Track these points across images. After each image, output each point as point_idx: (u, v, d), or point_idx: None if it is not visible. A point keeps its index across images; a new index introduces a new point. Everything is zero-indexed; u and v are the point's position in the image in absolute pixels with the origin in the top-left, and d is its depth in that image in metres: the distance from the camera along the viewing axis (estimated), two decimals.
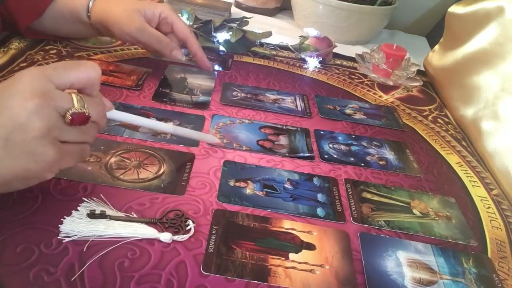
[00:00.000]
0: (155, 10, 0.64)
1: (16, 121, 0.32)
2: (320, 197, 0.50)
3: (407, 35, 1.16)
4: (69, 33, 0.73)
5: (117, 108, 0.58)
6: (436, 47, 0.87)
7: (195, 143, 0.55)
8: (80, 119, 0.35)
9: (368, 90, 0.79)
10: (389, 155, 0.60)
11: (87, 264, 0.37)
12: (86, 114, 0.35)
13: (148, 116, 0.58)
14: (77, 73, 0.36)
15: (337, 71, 0.84)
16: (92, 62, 0.37)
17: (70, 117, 0.34)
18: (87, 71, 0.36)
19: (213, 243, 0.41)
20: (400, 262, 0.43)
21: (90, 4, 0.64)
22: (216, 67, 0.77)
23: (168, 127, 0.50)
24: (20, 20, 0.66)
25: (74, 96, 0.35)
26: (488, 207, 0.54)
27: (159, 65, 0.73)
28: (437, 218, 0.50)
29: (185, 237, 0.41)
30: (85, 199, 0.43)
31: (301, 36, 0.88)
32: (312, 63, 0.84)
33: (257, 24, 0.95)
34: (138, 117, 0.47)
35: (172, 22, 0.66)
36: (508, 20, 0.67)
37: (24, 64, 0.65)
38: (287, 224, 0.45)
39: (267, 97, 0.69)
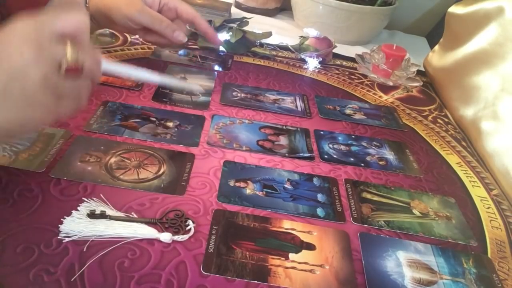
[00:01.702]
0: None
1: (13, 69, 0.33)
2: (320, 197, 0.50)
3: (407, 35, 1.16)
4: None
5: (117, 108, 0.59)
6: (436, 47, 0.87)
7: (195, 143, 0.55)
8: (74, 72, 0.35)
9: (368, 91, 0.79)
10: (389, 155, 0.60)
11: (87, 264, 0.37)
12: (80, 64, 0.35)
13: (148, 116, 0.58)
14: (67, 20, 0.36)
15: (337, 72, 0.84)
16: (80, 11, 0.38)
17: (64, 70, 0.34)
18: (75, 18, 0.36)
19: (213, 243, 0.41)
20: (400, 262, 0.43)
21: None
22: (216, 67, 0.77)
23: (154, 77, 0.50)
24: (19, 18, 0.66)
25: (68, 45, 0.35)
26: (488, 207, 0.54)
27: (159, 65, 0.73)
28: (437, 218, 0.50)
29: (185, 237, 0.41)
30: (85, 199, 0.43)
31: (301, 37, 0.88)
32: (312, 63, 0.84)
33: (257, 24, 0.95)
34: (127, 67, 0.47)
35: (175, 6, 0.66)
36: (508, 20, 0.67)
37: None
38: (287, 224, 0.45)
39: (267, 97, 0.69)
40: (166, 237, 0.40)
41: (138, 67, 0.48)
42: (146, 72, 0.50)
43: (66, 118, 0.39)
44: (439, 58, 0.84)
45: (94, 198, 0.44)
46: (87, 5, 0.64)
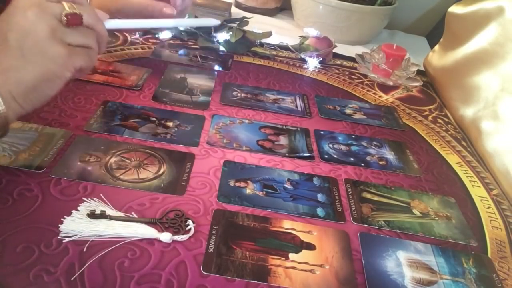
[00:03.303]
0: None
1: (23, 30, 0.38)
2: (320, 197, 0.50)
3: (407, 35, 1.16)
4: None
5: (117, 108, 0.59)
6: (436, 47, 0.87)
7: (195, 143, 0.55)
8: (75, 19, 0.41)
9: (368, 90, 0.79)
10: (389, 155, 0.60)
11: (87, 264, 0.37)
12: (78, 13, 0.41)
13: (148, 116, 0.58)
14: None
15: (337, 71, 0.84)
16: None
17: (66, 18, 0.40)
18: None
19: (213, 243, 0.41)
20: (400, 262, 0.43)
21: None
22: (216, 67, 0.77)
23: (168, 22, 0.51)
24: None
25: (64, 3, 0.40)
26: (488, 207, 0.54)
27: (159, 65, 0.73)
28: (437, 218, 0.50)
29: (185, 237, 0.41)
30: (85, 199, 0.43)
31: (301, 36, 0.88)
32: (312, 63, 0.84)
33: (257, 24, 0.95)
34: (135, 20, 0.49)
35: None
36: (508, 20, 0.67)
37: None
38: (287, 224, 0.45)
39: (267, 97, 0.69)
40: (166, 237, 0.40)
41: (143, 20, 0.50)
42: (155, 20, 0.51)
43: (83, 73, 0.44)
44: (439, 58, 0.84)
45: (94, 198, 0.44)
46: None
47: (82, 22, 0.41)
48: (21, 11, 0.38)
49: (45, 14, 0.39)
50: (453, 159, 0.63)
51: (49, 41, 0.39)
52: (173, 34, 0.85)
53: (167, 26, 0.53)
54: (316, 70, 0.83)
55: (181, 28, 0.81)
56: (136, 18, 0.64)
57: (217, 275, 0.38)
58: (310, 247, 0.43)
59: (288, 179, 0.52)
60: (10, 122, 0.39)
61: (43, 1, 0.40)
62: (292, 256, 0.41)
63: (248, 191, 0.49)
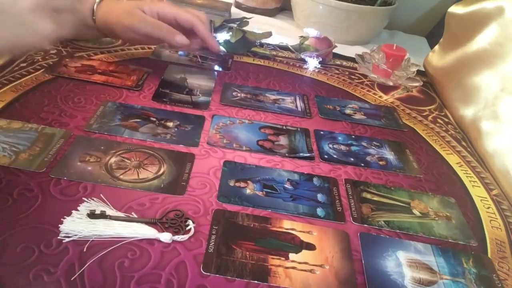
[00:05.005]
0: (153, 8, 0.65)
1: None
2: (320, 197, 0.50)
3: (407, 35, 1.16)
4: (72, 35, 0.73)
5: (117, 108, 0.59)
6: (436, 47, 0.87)
7: (195, 143, 0.55)
8: None
9: (368, 90, 0.79)
10: (389, 155, 0.60)
11: (87, 264, 0.37)
12: None
13: (148, 116, 0.58)
14: None
15: (337, 71, 0.84)
16: None
17: None
18: None
19: (213, 243, 0.41)
20: (400, 262, 0.43)
21: (95, 8, 0.64)
22: (216, 67, 0.77)
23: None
24: None
25: None
26: (488, 207, 0.54)
27: (159, 65, 0.73)
28: (437, 218, 0.50)
29: (185, 237, 0.41)
30: (85, 199, 0.43)
31: (301, 37, 0.88)
32: (312, 63, 0.84)
33: (257, 24, 0.95)
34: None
35: (173, 16, 0.65)
36: (508, 20, 0.67)
37: (24, 64, 0.65)
38: (287, 224, 0.45)
39: (267, 97, 0.69)
40: (166, 237, 0.40)
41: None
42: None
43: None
44: (439, 58, 0.84)
45: (94, 198, 0.44)
46: (94, 17, 0.64)
47: None
48: None
49: None
50: (453, 159, 0.63)
51: (34, 13, 0.39)
52: None
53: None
54: (316, 70, 0.83)
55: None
56: (146, 38, 0.65)
57: (217, 275, 0.38)
58: (310, 247, 0.43)
59: (288, 179, 0.52)
60: None
61: None
62: (292, 256, 0.41)
63: (248, 191, 0.49)
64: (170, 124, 0.58)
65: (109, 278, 0.36)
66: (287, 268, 0.40)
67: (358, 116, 0.69)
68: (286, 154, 0.56)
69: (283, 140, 0.59)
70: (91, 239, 0.39)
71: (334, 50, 0.88)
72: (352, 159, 0.58)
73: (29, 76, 0.63)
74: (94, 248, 0.39)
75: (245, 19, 0.89)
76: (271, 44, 0.89)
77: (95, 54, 0.73)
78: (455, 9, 0.82)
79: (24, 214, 0.41)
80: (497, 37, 0.68)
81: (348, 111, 0.70)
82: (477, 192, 0.57)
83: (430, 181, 0.57)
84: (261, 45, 0.88)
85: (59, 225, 0.40)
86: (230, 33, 0.83)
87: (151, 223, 0.42)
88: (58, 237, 0.39)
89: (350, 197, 0.51)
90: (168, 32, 0.64)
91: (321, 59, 0.84)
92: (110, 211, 0.42)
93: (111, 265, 0.37)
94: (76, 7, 0.63)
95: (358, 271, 0.42)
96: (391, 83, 0.82)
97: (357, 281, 0.40)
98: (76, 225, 0.40)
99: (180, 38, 0.64)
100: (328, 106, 0.70)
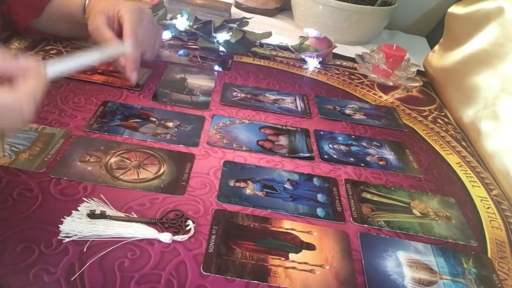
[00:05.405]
0: (115, 9, 0.59)
1: None
2: (320, 197, 0.50)
3: (407, 35, 1.16)
4: (68, 34, 0.73)
5: (117, 108, 0.59)
6: (436, 47, 0.87)
7: (195, 143, 0.55)
8: None
9: (368, 91, 0.79)
10: (389, 155, 0.60)
11: (87, 264, 0.37)
12: None
13: (148, 116, 0.58)
14: None
15: (337, 72, 0.84)
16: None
17: None
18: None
19: (213, 243, 0.41)
20: (400, 262, 0.43)
21: (86, 4, 0.64)
22: (216, 67, 0.77)
23: (94, 55, 0.52)
24: (19, 19, 0.66)
25: None
26: (488, 207, 0.54)
27: (159, 65, 0.73)
28: (437, 218, 0.50)
29: (185, 237, 0.41)
30: (85, 199, 0.43)
31: (301, 37, 0.88)
32: (312, 63, 0.84)
33: (257, 24, 0.95)
34: (69, 61, 0.46)
35: (122, 21, 0.59)
36: (508, 20, 0.67)
37: None
38: (287, 224, 0.45)
39: (267, 98, 0.69)
40: (166, 237, 0.40)
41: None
42: (85, 55, 0.51)
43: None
44: (439, 58, 0.84)
45: (94, 198, 0.44)
46: (85, 15, 0.63)
47: None
48: None
49: None
50: (453, 159, 0.63)
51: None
52: (173, 34, 0.85)
53: (95, 58, 0.54)
54: (316, 70, 0.83)
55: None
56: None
57: (217, 275, 0.38)
58: (310, 247, 0.43)
59: (288, 179, 0.52)
60: None
61: None
62: (292, 256, 0.41)
63: (248, 191, 0.49)
64: (170, 124, 0.58)
65: (109, 278, 0.36)
66: (287, 268, 0.40)
67: (358, 116, 0.69)
68: (286, 154, 0.56)
69: (283, 140, 0.59)
70: (91, 239, 0.39)
71: (334, 50, 0.88)
72: (352, 159, 0.58)
73: None
74: (94, 248, 0.39)
75: (245, 19, 0.89)
76: (271, 44, 0.89)
77: None
78: (455, 9, 0.82)
79: (24, 214, 0.41)
80: (497, 37, 0.68)
81: (348, 111, 0.70)
82: (477, 192, 0.57)
83: (430, 181, 0.57)
84: (261, 45, 0.88)
85: (59, 225, 0.40)
86: (230, 33, 0.83)
87: (151, 223, 0.42)
88: (58, 237, 0.39)
89: (350, 197, 0.51)
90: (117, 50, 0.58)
91: (321, 59, 0.84)
92: (110, 211, 0.42)
93: (111, 265, 0.37)
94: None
95: (358, 271, 0.42)
96: (391, 83, 0.82)
97: (357, 281, 0.40)
98: (76, 225, 0.40)
99: (132, 74, 0.59)
100: (328, 106, 0.70)
